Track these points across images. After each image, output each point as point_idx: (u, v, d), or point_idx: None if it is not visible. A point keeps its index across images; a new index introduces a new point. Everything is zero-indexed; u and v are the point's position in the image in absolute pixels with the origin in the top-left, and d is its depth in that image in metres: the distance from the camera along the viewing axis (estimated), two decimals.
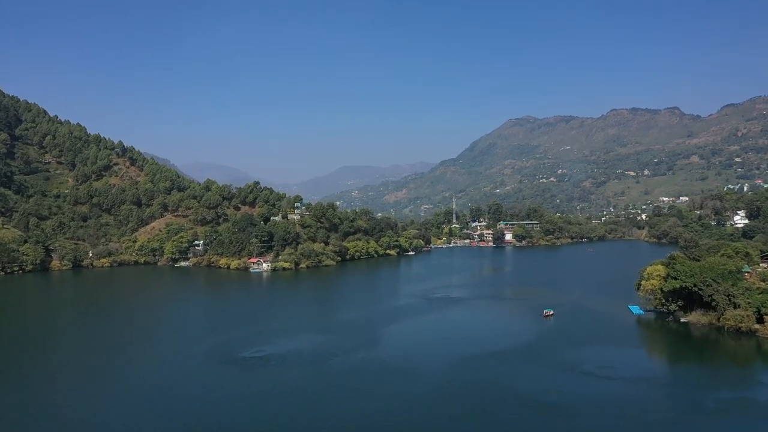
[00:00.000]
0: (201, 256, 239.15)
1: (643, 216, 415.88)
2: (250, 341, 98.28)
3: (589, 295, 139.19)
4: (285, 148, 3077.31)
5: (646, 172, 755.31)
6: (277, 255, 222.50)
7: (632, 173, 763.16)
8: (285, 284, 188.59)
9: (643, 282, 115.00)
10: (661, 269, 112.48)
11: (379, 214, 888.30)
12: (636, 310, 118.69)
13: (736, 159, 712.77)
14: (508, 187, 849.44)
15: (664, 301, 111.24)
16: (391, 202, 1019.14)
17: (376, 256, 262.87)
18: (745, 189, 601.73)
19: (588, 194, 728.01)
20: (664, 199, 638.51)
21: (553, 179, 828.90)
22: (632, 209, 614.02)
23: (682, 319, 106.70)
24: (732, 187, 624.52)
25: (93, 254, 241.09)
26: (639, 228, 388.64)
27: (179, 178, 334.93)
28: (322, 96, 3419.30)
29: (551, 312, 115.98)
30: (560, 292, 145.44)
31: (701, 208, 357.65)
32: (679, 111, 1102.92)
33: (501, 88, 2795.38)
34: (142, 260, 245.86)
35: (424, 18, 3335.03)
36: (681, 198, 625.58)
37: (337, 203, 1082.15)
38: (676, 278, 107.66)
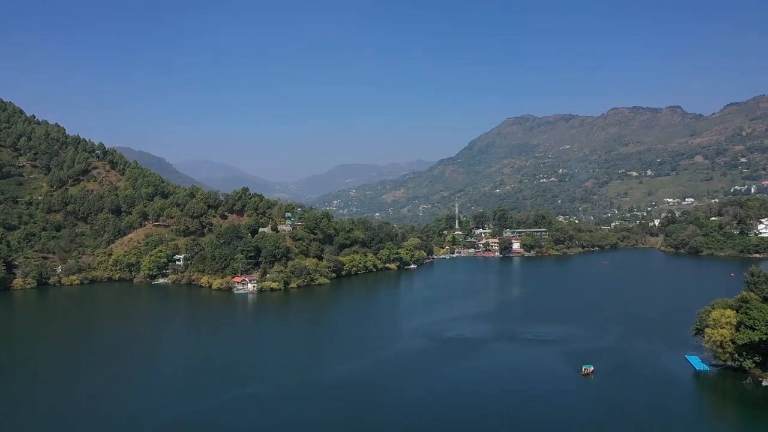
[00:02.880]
0: (181, 273, 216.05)
1: (656, 222, 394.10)
2: (212, 423, 75.52)
3: (629, 336, 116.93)
4: (283, 146, 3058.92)
5: (649, 172, 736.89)
6: (265, 273, 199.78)
7: (635, 173, 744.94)
8: (271, 313, 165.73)
9: (708, 330, 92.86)
10: (731, 315, 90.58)
11: (377, 214, 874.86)
12: (696, 362, 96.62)
13: (742, 159, 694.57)
14: (508, 187, 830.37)
15: (736, 355, 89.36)
16: (389, 202, 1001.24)
17: (374, 270, 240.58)
18: (753, 190, 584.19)
19: (590, 195, 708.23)
20: (669, 200, 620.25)
21: (553, 179, 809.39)
22: (637, 211, 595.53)
23: (764, 382, 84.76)
24: (739, 188, 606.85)
25: (62, 270, 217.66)
26: (652, 235, 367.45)
27: (163, 183, 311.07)
28: (320, 95, 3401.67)
29: (591, 369, 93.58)
30: (592, 330, 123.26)
31: (719, 214, 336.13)
32: (681, 110, 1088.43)
33: (500, 86, 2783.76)
34: (117, 277, 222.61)
35: (422, 18, 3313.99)
36: (686, 199, 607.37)
37: (335, 202, 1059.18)
38: (753, 328, 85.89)
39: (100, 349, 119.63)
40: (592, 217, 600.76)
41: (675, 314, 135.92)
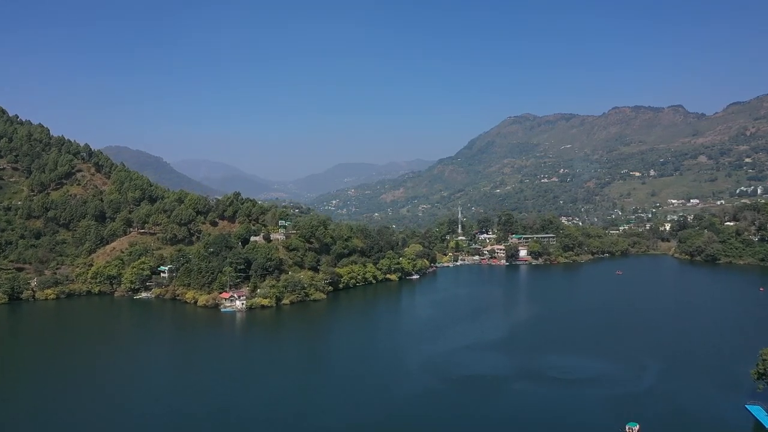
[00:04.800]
0: (165, 286, 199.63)
1: (667, 226, 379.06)
2: None
3: (671, 375, 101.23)
4: (281, 145, 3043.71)
5: (651, 172, 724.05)
6: (255, 288, 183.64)
7: (638, 173, 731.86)
8: (259, 338, 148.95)
9: None
10: None
11: (376, 214, 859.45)
12: (762, 416, 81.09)
13: (746, 159, 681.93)
14: (508, 187, 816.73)
15: None
16: (388, 201, 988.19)
17: (374, 282, 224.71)
18: (759, 191, 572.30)
19: (592, 195, 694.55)
20: (673, 201, 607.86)
21: (554, 179, 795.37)
22: (641, 212, 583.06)
23: None
24: (745, 189, 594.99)
25: (36, 284, 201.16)
26: (663, 240, 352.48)
27: (151, 186, 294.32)
28: (318, 94, 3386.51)
29: (636, 428, 77.45)
30: (626, 365, 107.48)
31: (735, 219, 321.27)
32: (683, 109, 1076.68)
33: (500, 85, 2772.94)
34: (96, 290, 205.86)
35: (422, 18, 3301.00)
36: (691, 200, 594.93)
37: (333, 202, 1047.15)
38: None
39: (55, 383, 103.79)
40: (596, 219, 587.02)
41: (716, 342, 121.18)
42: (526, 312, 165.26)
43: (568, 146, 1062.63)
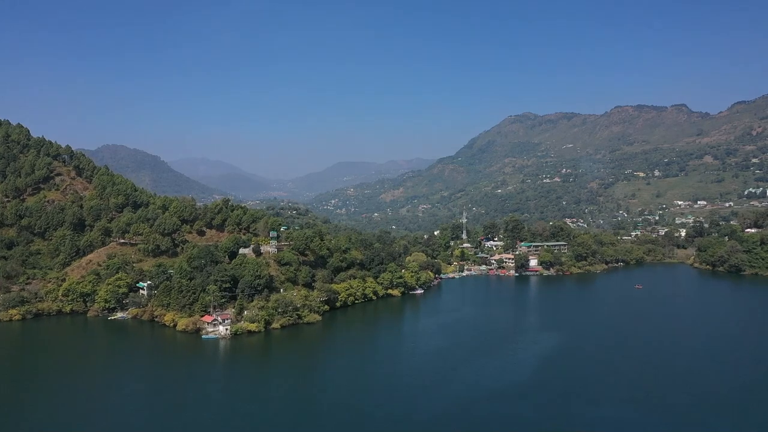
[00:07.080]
0: (143, 306, 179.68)
1: (682, 232, 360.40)
2: None
3: None
4: (281, 144, 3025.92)
5: (656, 172, 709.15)
6: (242, 309, 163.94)
7: (642, 174, 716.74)
8: (240, 377, 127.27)
9: None
10: None
11: (375, 214, 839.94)
12: None
13: (753, 159, 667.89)
14: (510, 187, 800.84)
15: None
16: (387, 201, 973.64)
17: (374, 298, 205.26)
18: None
19: (596, 196, 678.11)
20: (680, 202, 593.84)
21: (557, 179, 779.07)
22: (648, 214, 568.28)
23: None
24: (753, 190, 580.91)
25: (0, 302, 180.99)
26: (679, 247, 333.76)
27: (136, 191, 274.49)
28: (318, 93, 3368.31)
29: None
30: (690, 428, 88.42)
31: (757, 225, 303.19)
32: (687, 108, 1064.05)
33: (500, 84, 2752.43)
34: (68, 309, 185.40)
35: (422, 18, 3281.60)
36: (698, 202, 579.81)
37: (332, 201, 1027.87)
38: None
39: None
40: (601, 221, 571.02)
41: None
42: (549, 342, 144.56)
43: (570, 145, 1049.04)
